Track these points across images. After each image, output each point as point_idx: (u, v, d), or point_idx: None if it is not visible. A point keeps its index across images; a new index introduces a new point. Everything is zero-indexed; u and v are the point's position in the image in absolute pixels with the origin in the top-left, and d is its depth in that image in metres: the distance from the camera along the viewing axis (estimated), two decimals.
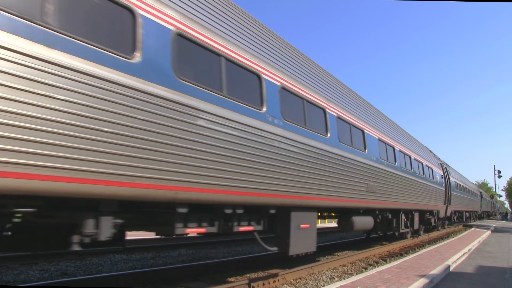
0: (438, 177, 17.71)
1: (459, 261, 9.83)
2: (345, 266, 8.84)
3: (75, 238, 3.67)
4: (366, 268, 8.42)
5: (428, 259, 9.25)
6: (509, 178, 73.55)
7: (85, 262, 8.21)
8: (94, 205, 3.77)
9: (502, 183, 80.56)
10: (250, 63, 5.55)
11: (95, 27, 3.62)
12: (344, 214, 9.21)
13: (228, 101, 4.95)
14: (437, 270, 7.56)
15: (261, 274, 7.27)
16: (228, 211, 5.20)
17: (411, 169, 13.11)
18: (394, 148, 11.47)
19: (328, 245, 12.50)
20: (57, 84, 3.10)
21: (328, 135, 7.42)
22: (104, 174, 3.43)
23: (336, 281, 6.87)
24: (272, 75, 6.02)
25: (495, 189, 67.58)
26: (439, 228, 19.58)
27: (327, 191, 7.13)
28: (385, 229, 12.05)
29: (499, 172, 54.44)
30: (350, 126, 8.60)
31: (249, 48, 5.64)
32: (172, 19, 4.32)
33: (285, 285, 6.55)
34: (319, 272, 7.80)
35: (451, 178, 21.51)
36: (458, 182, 24.73)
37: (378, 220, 10.78)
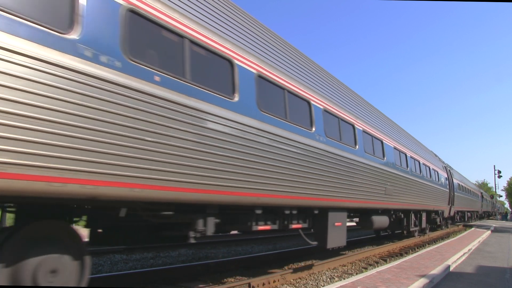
0: (443, 180, 18.99)
1: (459, 261, 9.83)
2: (345, 266, 8.84)
3: (192, 233, 4.87)
4: (366, 268, 8.42)
5: (428, 259, 9.25)
6: (509, 178, 73.52)
7: None
8: (202, 209, 4.94)
9: (502, 183, 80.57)
10: (303, 93, 6.89)
11: (211, 77, 4.92)
12: (364, 214, 10.25)
13: (291, 125, 6.27)
14: (437, 270, 7.56)
15: (261, 274, 7.27)
16: (287, 212, 6.50)
17: (420, 173, 14.46)
18: (406, 155, 12.85)
19: None
20: (192, 122, 4.39)
21: (357, 147, 8.76)
22: (220, 186, 4.68)
23: (336, 281, 6.86)
24: (318, 101, 7.35)
25: (495, 189, 67.51)
26: (443, 227, 20.49)
27: (355, 194, 8.35)
28: (398, 227, 13.25)
29: (499, 172, 54.44)
30: (372, 138, 9.91)
31: (302, 80, 6.99)
32: (254, 64, 5.66)
33: (285, 285, 6.55)
34: (319, 272, 7.80)
35: (454, 180, 22.48)
36: (461, 183, 25.77)
37: (392, 220, 11.96)
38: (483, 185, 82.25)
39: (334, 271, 8.08)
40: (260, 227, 5.97)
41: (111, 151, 3.50)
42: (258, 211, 5.78)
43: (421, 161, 15.01)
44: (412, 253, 10.85)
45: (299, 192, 6.28)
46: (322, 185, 6.95)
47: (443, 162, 21.83)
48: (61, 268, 3.68)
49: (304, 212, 7.02)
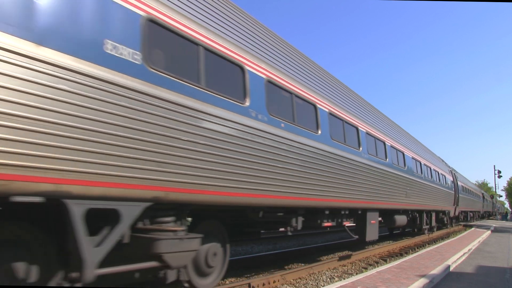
0: (449, 183, 21.27)
1: (459, 261, 9.83)
2: (345, 266, 8.83)
3: (289, 228, 6.76)
4: (366, 268, 8.42)
5: (428, 259, 9.25)
6: (509, 178, 73.46)
7: None
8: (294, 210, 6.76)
9: (502, 183, 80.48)
10: (353, 121, 9.06)
11: (306, 118, 7.00)
12: (388, 213, 12.19)
13: (348, 147, 8.31)
14: (437, 270, 7.56)
15: (261, 274, 7.27)
16: (343, 212, 8.58)
17: (431, 177, 16.70)
18: (421, 163, 15.19)
19: (329, 244, 12.50)
20: (299, 152, 6.39)
21: (387, 160, 10.96)
22: (308, 195, 6.58)
23: (336, 281, 6.87)
24: (363, 126, 9.60)
25: (495, 189, 67.48)
26: (448, 226, 22.44)
27: (385, 198, 10.33)
28: (412, 226, 15.41)
29: (499, 172, 54.42)
30: (396, 151, 12.18)
31: (353, 111, 9.25)
32: (327, 105, 7.76)
33: (285, 285, 6.55)
34: (319, 272, 7.80)
35: (458, 182, 24.71)
36: (464, 186, 28.23)
37: (409, 219, 14.03)
38: (483, 185, 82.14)
39: (334, 271, 8.08)
40: (326, 224, 7.93)
41: (268, 176, 5.49)
42: (327, 212, 7.85)
43: (432, 167, 17.29)
44: (412, 253, 10.85)
45: (350, 197, 8.23)
46: (364, 191, 8.98)
47: (449, 166, 24.02)
48: (218, 252, 5.42)
49: (351, 212, 8.97)
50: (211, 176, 4.55)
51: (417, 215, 14.99)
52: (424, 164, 15.77)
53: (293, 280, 6.96)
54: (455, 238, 16.57)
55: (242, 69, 5.38)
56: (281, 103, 6.39)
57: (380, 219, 12.26)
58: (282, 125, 6.01)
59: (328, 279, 7.17)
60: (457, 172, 26.70)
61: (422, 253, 10.64)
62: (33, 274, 3.34)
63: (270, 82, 5.96)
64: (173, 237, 4.15)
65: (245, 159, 5.06)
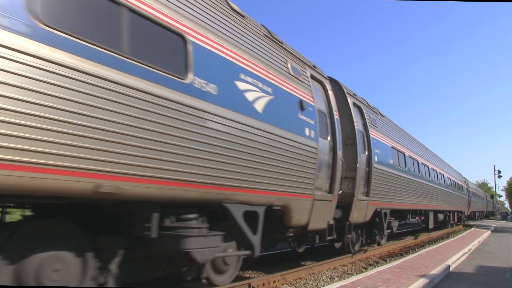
0: (464, 190, 28.71)
1: (459, 261, 9.83)
2: (345, 266, 8.83)
3: (406, 220, 15.46)
4: (366, 268, 8.42)
5: (428, 259, 9.25)
6: (509, 178, 73.36)
7: None
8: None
9: (502, 183, 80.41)
10: (430, 164, 17.75)
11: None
12: (434, 213, 17.92)
13: (426, 178, 16.56)
14: (437, 270, 7.56)
15: (261, 274, 7.27)
16: (422, 211, 16.45)
17: (455, 187, 24.28)
18: (450, 179, 22.89)
19: (328, 244, 12.48)
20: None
21: (438, 181, 18.36)
22: (402, 202, 12.65)
23: (336, 281, 6.86)
24: (432, 166, 17.99)
25: (495, 189, 67.32)
26: (462, 222, 28.47)
27: (435, 203, 17.09)
28: (443, 221, 21.32)
29: (499, 172, 54.36)
30: (442, 176, 19.77)
31: (428, 158, 17.99)
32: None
33: (285, 285, 6.55)
34: (319, 272, 7.79)
35: (470, 189, 31.97)
36: (474, 191, 36.08)
37: (443, 216, 20.26)
38: (483, 185, 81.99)
39: (334, 271, 8.07)
40: (417, 218, 17.10)
41: (405, 195, 12.48)
42: (418, 211, 14.98)
43: (456, 181, 25.14)
44: (412, 253, 10.85)
45: (424, 203, 14.70)
46: (429, 200, 15.64)
47: (463, 177, 30.97)
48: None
49: (419, 212, 15.72)
50: (401, 197, 11.03)
51: (447, 214, 21.62)
52: (453, 180, 23.81)
53: (293, 280, 6.95)
54: (455, 238, 16.57)
55: (417, 161, 13.63)
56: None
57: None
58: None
59: (328, 279, 7.17)
60: (468, 180, 34.56)
61: (422, 253, 10.63)
62: None
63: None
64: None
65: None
